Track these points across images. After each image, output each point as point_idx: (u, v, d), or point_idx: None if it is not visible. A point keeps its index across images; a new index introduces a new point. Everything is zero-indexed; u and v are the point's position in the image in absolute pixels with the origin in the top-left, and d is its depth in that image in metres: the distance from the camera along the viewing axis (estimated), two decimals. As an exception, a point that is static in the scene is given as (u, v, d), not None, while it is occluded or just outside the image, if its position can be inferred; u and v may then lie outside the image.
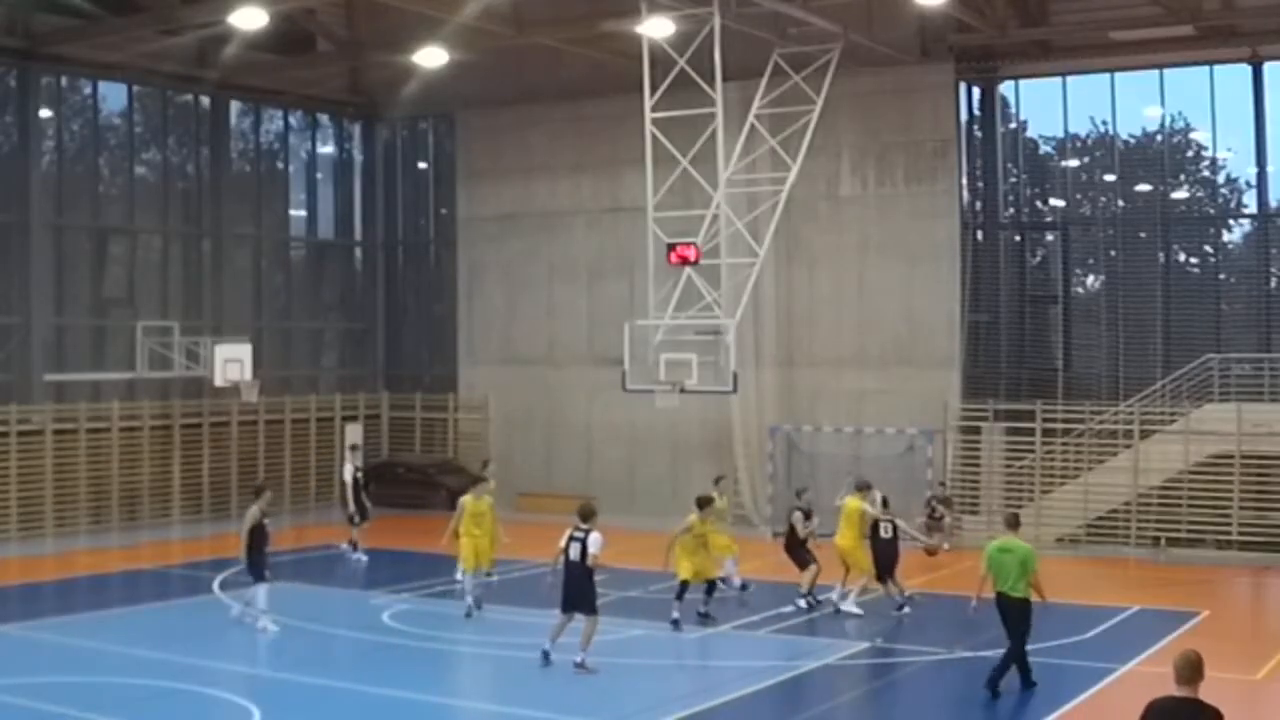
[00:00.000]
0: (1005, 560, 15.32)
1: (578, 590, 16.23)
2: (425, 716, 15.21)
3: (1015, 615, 15.25)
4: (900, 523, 20.78)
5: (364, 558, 24.76)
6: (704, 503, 19.82)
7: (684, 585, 19.30)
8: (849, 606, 19.99)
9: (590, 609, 16.27)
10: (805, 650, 17.69)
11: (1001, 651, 15.37)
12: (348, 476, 25.52)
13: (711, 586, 19.75)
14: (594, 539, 16.12)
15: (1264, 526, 25.12)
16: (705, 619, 19.41)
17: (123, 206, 30.91)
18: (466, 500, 20.20)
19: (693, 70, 24.58)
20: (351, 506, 25.15)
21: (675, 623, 18.93)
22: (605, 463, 31.66)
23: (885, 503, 21.18)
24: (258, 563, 18.49)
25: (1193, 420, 25.58)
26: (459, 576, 20.37)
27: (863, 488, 20.75)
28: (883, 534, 20.26)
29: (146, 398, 29.63)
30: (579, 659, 16.05)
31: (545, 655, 16.37)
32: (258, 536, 18.48)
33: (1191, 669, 8.45)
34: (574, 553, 16.21)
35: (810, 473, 28.15)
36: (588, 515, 16.41)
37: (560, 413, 32.47)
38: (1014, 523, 16.05)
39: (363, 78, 34.29)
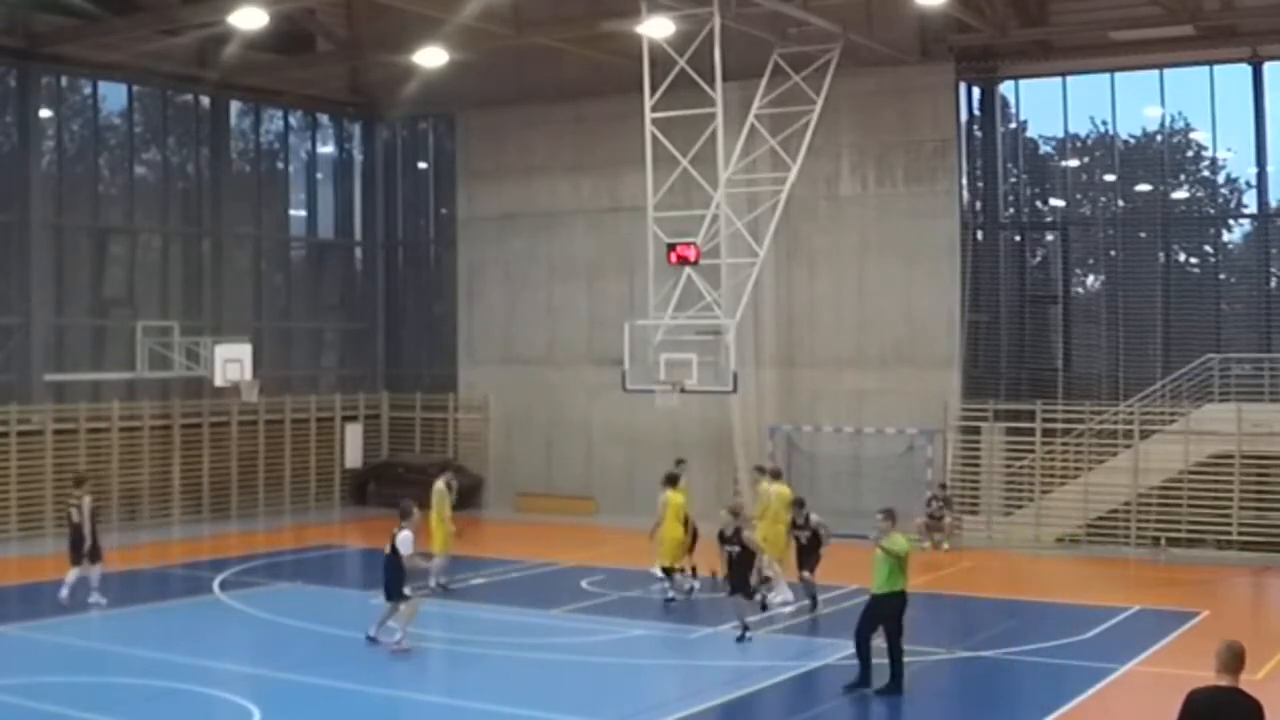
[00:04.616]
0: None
1: (389, 580, 17.58)
2: (425, 716, 15.20)
3: None
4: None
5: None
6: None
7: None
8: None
9: (398, 596, 17.50)
10: (805, 650, 17.67)
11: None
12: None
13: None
14: (401, 538, 17.40)
15: (1264, 526, 25.11)
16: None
17: (123, 206, 30.89)
18: None
19: (693, 70, 24.58)
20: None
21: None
22: (605, 463, 31.64)
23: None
24: (98, 544, 20.20)
25: (1193, 420, 25.57)
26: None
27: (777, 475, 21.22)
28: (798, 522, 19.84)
29: (146, 398, 29.61)
30: (397, 638, 17.28)
31: (369, 639, 17.50)
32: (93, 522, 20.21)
33: (1235, 658, 8.41)
34: (389, 548, 17.61)
35: (810, 473, 28.19)
36: (405, 514, 17.82)
37: (560, 413, 32.44)
38: (894, 516, 15.47)
39: (363, 78, 34.27)
